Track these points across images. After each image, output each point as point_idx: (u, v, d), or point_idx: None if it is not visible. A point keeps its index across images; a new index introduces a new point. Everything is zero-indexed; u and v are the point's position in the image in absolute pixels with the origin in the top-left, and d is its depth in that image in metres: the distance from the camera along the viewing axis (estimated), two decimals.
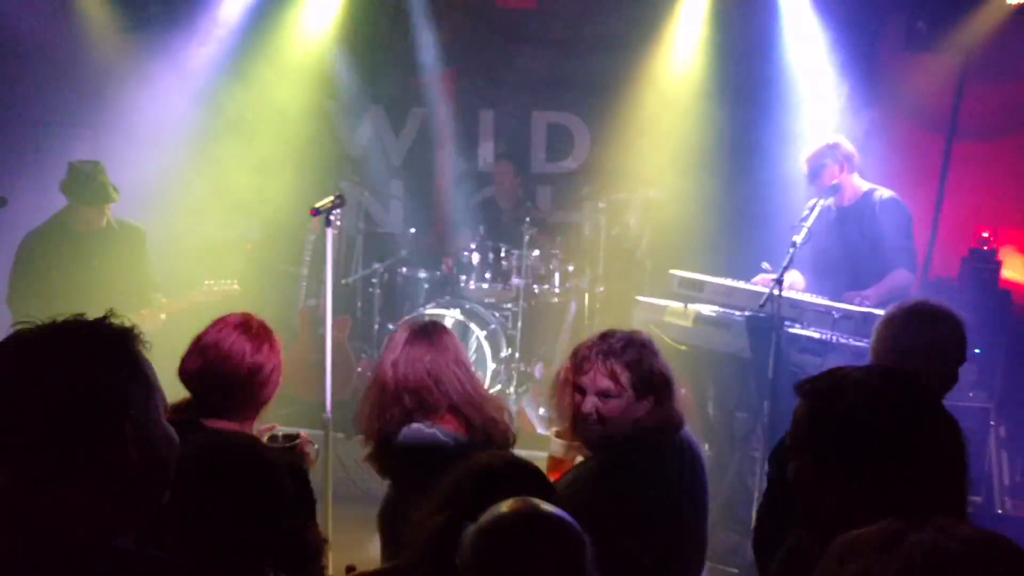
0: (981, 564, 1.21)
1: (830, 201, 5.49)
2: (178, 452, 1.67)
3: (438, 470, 2.99)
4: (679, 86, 7.27)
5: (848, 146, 5.51)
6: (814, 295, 5.26)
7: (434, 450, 3.09)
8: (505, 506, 1.78)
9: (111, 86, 7.29)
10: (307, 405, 6.36)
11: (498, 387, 6.77)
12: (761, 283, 5.30)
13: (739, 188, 6.98)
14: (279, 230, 7.63)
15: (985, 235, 6.18)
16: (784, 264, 4.86)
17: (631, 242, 7.32)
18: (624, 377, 2.86)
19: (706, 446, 5.31)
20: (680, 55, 7.34)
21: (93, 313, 1.63)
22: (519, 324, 6.90)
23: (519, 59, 7.87)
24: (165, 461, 1.63)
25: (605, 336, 2.97)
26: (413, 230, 7.68)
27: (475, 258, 7.12)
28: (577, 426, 2.95)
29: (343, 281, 7.36)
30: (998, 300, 6.02)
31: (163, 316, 5.71)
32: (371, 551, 3.30)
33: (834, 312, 5.01)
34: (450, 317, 6.71)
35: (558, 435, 3.19)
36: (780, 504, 2.34)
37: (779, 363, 4.76)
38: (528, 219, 7.01)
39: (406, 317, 6.89)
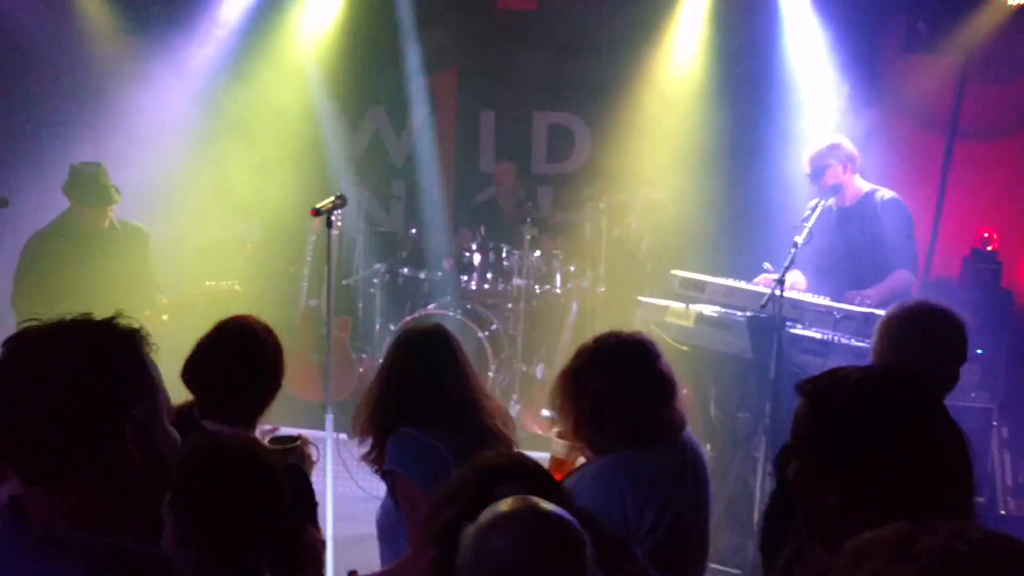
0: (996, 567, 1.20)
1: (831, 201, 5.49)
2: (180, 454, 1.67)
3: (430, 474, 3.01)
4: (680, 87, 7.28)
5: (850, 146, 5.51)
6: (815, 295, 5.26)
7: (424, 454, 3.08)
8: (504, 505, 1.78)
9: (112, 87, 7.29)
10: (308, 405, 6.37)
11: (499, 388, 6.77)
12: (763, 283, 5.30)
13: (740, 188, 6.98)
14: (280, 230, 7.64)
15: (986, 235, 6.18)
16: (785, 264, 4.86)
17: (632, 243, 7.32)
18: (627, 380, 2.86)
19: (707, 447, 5.31)
20: (681, 56, 7.34)
21: (97, 314, 1.63)
22: (520, 325, 6.90)
23: (520, 60, 7.87)
24: (166, 462, 1.63)
25: (608, 337, 2.96)
26: (414, 230, 7.68)
27: (476, 258, 7.12)
28: (578, 428, 2.95)
29: (344, 281, 7.37)
30: (999, 300, 6.02)
31: (165, 317, 5.71)
32: (373, 552, 3.29)
33: (835, 312, 5.00)
34: (451, 317, 6.71)
35: (560, 436, 3.18)
36: (787, 507, 2.33)
37: (781, 363, 4.75)
38: (529, 220, 7.01)
39: (407, 317, 6.89)
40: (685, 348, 5.25)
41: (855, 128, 6.38)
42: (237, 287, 6.09)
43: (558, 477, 2.99)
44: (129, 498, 1.57)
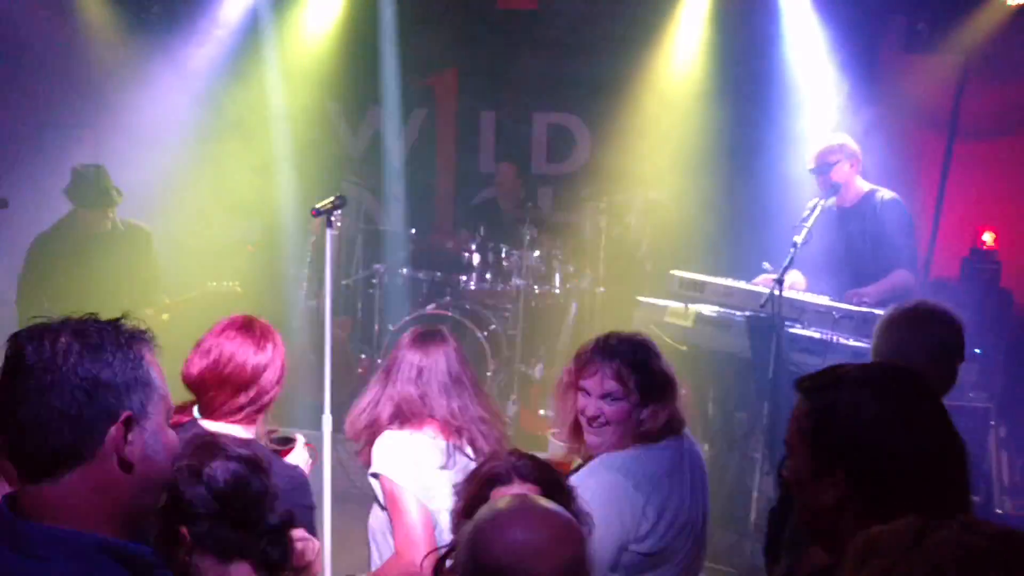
0: (1011, 560, 1.20)
1: (831, 201, 5.50)
2: (177, 457, 1.68)
3: (414, 476, 3.01)
4: (680, 87, 7.28)
5: (856, 146, 5.53)
6: (814, 295, 5.26)
7: (409, 456, 3.09)
8: (502, 502, 1.78)
9: (112, 87, 7.29)
10: (307, 406, 6.37)
11: (498, 388, 6.77)
12: (762, 283, 5.30)
13: (739, 189, 6.98)
14: (280, 231, 7.63)
15: (985, 235, 6.18)
16: (784, 264, 4.87)
17: (632, 243, 7.32)
18: (631, 380, 2.87)
19: (705, 446, 5.32)
20: (680, 56, 7.35)
21: (102, 314, 1.64)
22: (519, 325, 6.90)
23: (520, 60, 7.88)
24: (160, 465, 1.64)
25: (609, 338, 2.97)
26: (414, 231, 7.68)
27: (476, 259, 7.12)
28: (580, 428, 2.95)
29: (344, 282, 7.37)
30: (998, 300, 6.03)
31: (165, 316, 5.73)
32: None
33: (834, 312, 5.01)
34: (450, 318, 6.71)
35: (557, 437, 3.19)
36: (791, 511, 2.34)
37: (779, 363, 4.76)
38: (529, 220, 7.01)
39: (406, 318, 6.89)
40: (684, 348, 5.26)
41: (854, 128, 6.38)
42: (238, 287, 6.10)
43: None
44: (121, 498, 1.58)
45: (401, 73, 7.85)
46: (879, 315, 3.25)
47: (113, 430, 1.56)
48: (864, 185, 5.56)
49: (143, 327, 1.64)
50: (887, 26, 6.99)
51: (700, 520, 2.98)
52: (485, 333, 6.78)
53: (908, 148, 6.78)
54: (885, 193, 5.51)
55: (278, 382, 2.99)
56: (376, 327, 7.27)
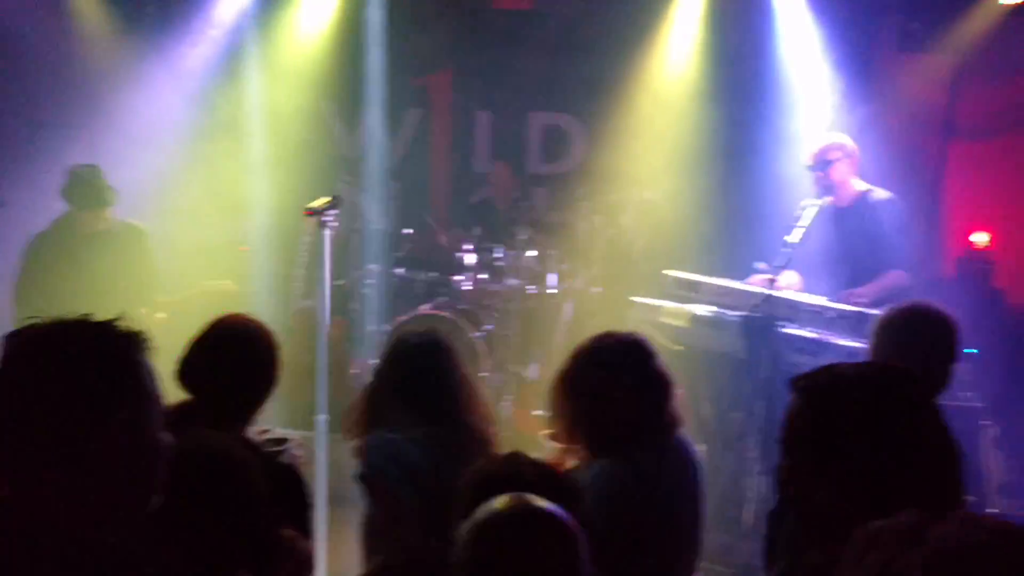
0: (1011, 554, 1.19)
1: (826, 201, 5.50)
2: (168, 460, 1.67)
3: (400, 478, 3.01)
4: (674, 87, 7.29)
5: (853, 145, 5.54)
6: (809, 295, 5.27)
7: (395, 457, 3.08)
8: (499, 502, 1.78)
9: (106, 87, 7.28)
10: (300, 407, 6.35)
11: (493, 388, 6.76)
12: (756, 283, 5.31)
13: (734, 188, 6.99)
14: (274, 231, 7.62)
15: (980, 236, 6.19)
16: (779, 264, 4.87)
17: (626, 243, 7.32)
18: (626, 379, 2.87)
19: (700, 447, 5.31)
20: (675, 56, 7.36)
21: (98, 314, 1.63)
22: (514, 325, 6.90)
23: (515, 60, 7.87)
24: (148, 468, 1.63)
25: (605, 338, 2.97)
26: (409, 231, 7.67)
27: (470, 259, 7.11)
28: (575, 428, 2.95)
29: (337, 282, 7.35)
30: (992, 300, 6.04)
31: (162, 315, 5.73)
32: None
33: (829, 312, 5.01)
34: (445, 317, 6.70)
35: (552, 438, 3.19)
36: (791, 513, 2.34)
37: (774, 363, 4.77)
38: (524, 220, 7.00)
39: (400, 318, 6.88)
40: (679, 348, 5.25)
41: (848, 127, 6.39)
42: (233, 286, 6.09)
43: None
44: (108, 500, 1.58)
45: (395, 73, 7.84)
46: (874, 315, 3.27)
47: (96, 433, 1.55)
48: (859, 185, 5.57)
49: (137, 329, 1.64)
50: (881, 25, 7.00)
51: (696, 521, 2.98)
52: (480, 333, 6.78)
53: (902, 148, 6.78)
54: (880, 193, 5.52)
55: (272, 381, 2.99)
56: (370, 328, 7.26)
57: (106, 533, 1.57)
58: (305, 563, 2.47)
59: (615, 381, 2.87)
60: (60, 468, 1.54)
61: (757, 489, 4.91)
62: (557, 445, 3.15)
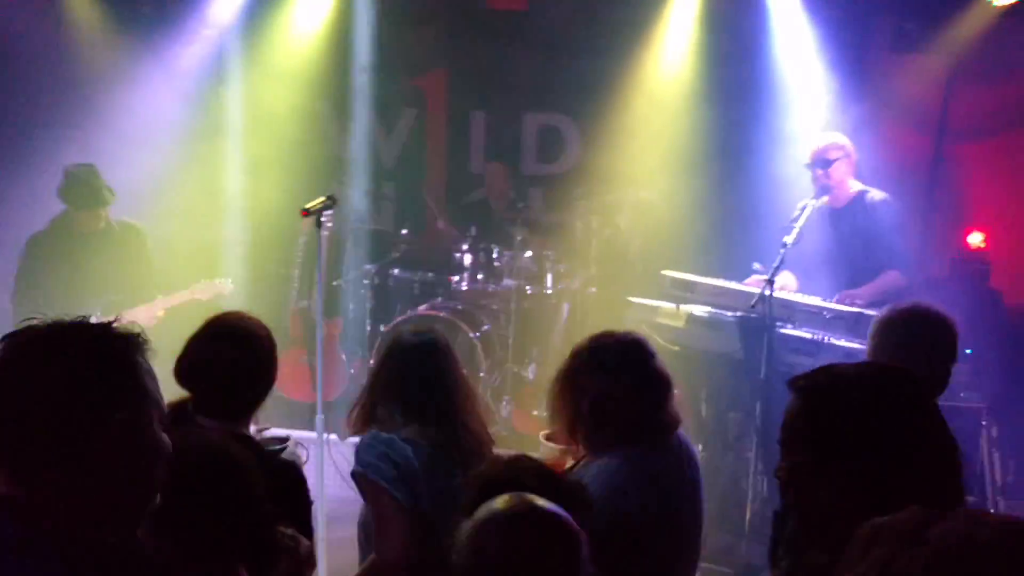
0: (1015, 550, 1.19)
1: (823, 201, 5.51)
2: (168, 460, 1.67)
3: (395, 478, 3.00)
4: (669, 87, 7.29)
5: (851, 145, 5.55)
6: (806, 295, 5.28)
7: (390, 456, 3.07)
8: (499, 502, 1.78)
9: (101, 87, 7.27)
10: (298, 406, 6.36)
11: (491, 389, 6.77)
12: (753, 284, 5.31)
13: (730, 189, 7.00)
14: (270, 231, 7.61)
15: (975, 236, 6.21)
16: (775, 265, 4.88)
17: (623, 243, 7.32)
18: (626, 379, 2.87)
19: (699, 447, 5.32)
20: (670, 57, 7.36)
21: (96, 314, 1.63)
22: (511, 325, 6.90)
23: (510, 61, 7.88)
24: (148, 468, 1.63)
25: (604, 337, 2.97)
26: (404, 231, 7.67)
27: (467, 259, 7.11)
28: (575, 428, 2.95)
29: (334, 283, 7.35)
30: (988, 300, 6.05)
31: (160, 314, 5.72)
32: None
33: (825, 312, 5.02)
34: (442, 318, 6.70)
35: (549, 438, 3.19)
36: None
37: (771, 363, 4.77)
38: (520, 220, 7.00)
39: (398, 319, 6.88)
40: (676, 348, 5.26)
41: (842, 127, 6.40)
42: (230, 284, 6.09)
43: None
44: (106, 500, 1.58)
45: (390, 73, 7.84)
46: (870, 316, 3.28)
47: (94, 433, 1.55)
48: (855, 185, 5.58)
49: (135, 330, 1.64)
50: (875, 26, 7.02)
51: (696, 521, 2.98)
52: (477, 334, 6.78)
53: (897, 148, 6.80)
54: (876, 194, 5.53)
55: (270, 379, 2.99)
56: (367, 328, 7.26)
57: (106, 533, 1.57)
58: (305, 562, 2.47)
59: (614, 381, 2.86)
60: (60, 468, 1.54)
61: (757, 489, 4.91)
62: (555, 446, 3.15)
